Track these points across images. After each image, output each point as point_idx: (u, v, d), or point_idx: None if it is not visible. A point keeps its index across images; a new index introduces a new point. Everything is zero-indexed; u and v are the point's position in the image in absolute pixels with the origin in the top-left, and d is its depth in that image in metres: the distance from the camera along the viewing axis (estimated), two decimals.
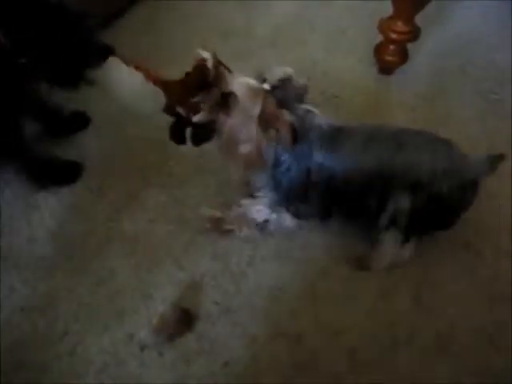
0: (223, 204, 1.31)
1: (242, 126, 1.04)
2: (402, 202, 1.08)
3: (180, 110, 1.09)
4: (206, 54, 1.05)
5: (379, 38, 1.67)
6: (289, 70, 1.06)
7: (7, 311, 1.14)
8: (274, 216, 1.21)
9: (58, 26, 1.05)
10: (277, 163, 1.11)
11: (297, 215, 1.20)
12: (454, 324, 1.15)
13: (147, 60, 1.20)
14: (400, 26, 1.59)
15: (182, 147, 1.15)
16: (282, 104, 1.04)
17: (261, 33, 1.87)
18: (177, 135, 1.13)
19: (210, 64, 1.04)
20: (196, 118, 1.06)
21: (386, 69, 1.72)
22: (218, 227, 1.26)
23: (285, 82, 1.05)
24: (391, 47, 1.66)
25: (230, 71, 1.09)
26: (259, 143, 1.05)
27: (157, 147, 1.41)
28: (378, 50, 1.70)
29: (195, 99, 1.05)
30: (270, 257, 1.24)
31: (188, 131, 1.11)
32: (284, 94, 1.04)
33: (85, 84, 1.13)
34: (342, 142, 1.09)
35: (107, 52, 1.12)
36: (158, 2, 1.95)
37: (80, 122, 1.47)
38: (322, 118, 1.10)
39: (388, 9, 1.59)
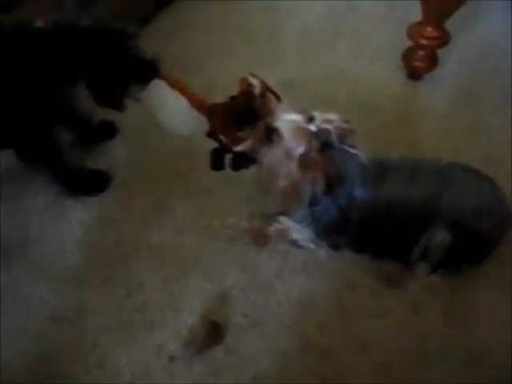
0: (251, 215, 1.30)
1: (282, 162, 1.04)
2: (441, 237, 1.07)
3: (222, 137, 1.10)
4: (254, 81, 1.06)
5: (407, 43, 1.64)
6: (334, 116, 1.04)
7: (37, 322, 1.15)
8: (311, 245, 1.21)
9: (106, 47, 1.06)
10: (314, 202, 1.09)
11: (334, 247, 1.20)
12: (488, 339, 1.12)
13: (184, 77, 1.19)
14: (430, 31, 1.56)
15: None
16: (324, 145, 1.03)
17: (286, 39, 1.86)
18: (216, 161, 1.14)
19: (256, 91, 1.05)
20: (238, 148, 1.08)
21: (414, 75, 1.69)
22: (256, 238, 1.26)
23: (329, 124, 1.03)
24: (420, 53, 1.63)
25: (278, 98, 1.09)
26: (296, 182, 1.04)
27: (184, 156, 1.40)
28: (407, 56, 1.67)
29: (239, 132, 1.06)
30: (298, 269, 1.23)
31: (228, 157, 1.13)
32: (327, 137, 1.03)
33: (130, 102, 1.13)
34: (384, 178, 1.08)
35: (153, 72, 1.11)
36: (180, 11, 1.95)
37: (108, 131, 1.47)
38: (362, 156, 1.08)
39: (414, 14, 1.56)
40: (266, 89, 1.09)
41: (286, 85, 1.66)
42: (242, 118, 1.07)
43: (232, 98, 1.11)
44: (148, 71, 1.11)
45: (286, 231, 1.22)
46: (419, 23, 1.58)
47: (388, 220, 1.09)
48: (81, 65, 1.08)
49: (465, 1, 1.48)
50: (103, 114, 1.42)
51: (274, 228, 1.23)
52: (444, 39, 1.59)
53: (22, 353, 1.11)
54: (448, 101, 1.65)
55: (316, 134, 1.02)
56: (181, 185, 1.38)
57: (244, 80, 1.11)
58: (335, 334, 1.13)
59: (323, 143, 1.02)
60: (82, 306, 1.17)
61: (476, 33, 1.90)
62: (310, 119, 1.04)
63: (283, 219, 1.21)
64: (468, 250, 1.11)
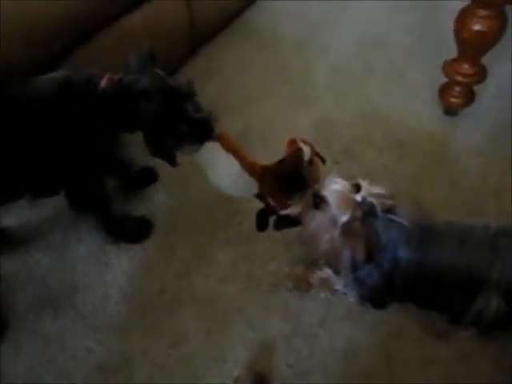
0: (291, 261, 1.30)
1: (327, 228, 1.07)
2: (496, 305, 1.06)
3: (270, 200, 1.14)
4: (304, 147, 1.10)
5: (441, 77, 1.64)
6: (380, 190, 1.06)
7: (84, 370, 1.16)
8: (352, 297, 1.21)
9: (164, 106, 1.09)
10: (355, 269, 1.11)
11: (380, 306, 1.19)
12: None
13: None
14: (465, 68, 1.56)
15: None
16: (367, 215, 1.05)
17: (319, 77, 1.88)
18: (262, 222, 1.18)
19: (306, 157, 1.09)
20: (285, 212, 1.11)
21: (451, 111, 1.68)
22: (298, 284, 1.26)
23: (375, 197, 1.06)
24: (456, 89, 1.62)
25: (323, 161, 1.14)
26: (338, 248, 1.07)
27: (224, 202, 1.41)
28: (443, 92, 1.67)
29: (289, 200, 1.09)
30: (341, 317, 1.22)
31: (273, 218, 1.16)
32: (371, 208, 1.05)
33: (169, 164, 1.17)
34: (432, 243, 1.09)
35: (208, 133, 1.13)
36: (214, 54, 1.99)
37: (148, 177, 1.50)
38: (406, 221, 1.09)
39: (447, 48, 1.56)
40: (315, 154, 1.13)
41: (322, 125, 1.68)
42: (289, 182, 1.10)
43: (280, 161, 1.13)
44: (202, 132, 1.13)
45: (328, 280, 1.22)
46: (455, 60, 1.58)
47: (434, 284, 1.10)
48: (138, 122, 1.13)
49: (500, 37, 1.47)
50: (143, 160, 1.46)
51: (316, 275, 1.23)
52: (480, 75, 1.58)
53: None
54: (487, 136, 1.63)
55: (361, 204, 1.04)
56: (221, 231, 1.39)
57: (292, 142, 1.14)
58: None
59: (366, 213, 1.05)
60: (126, 356, 1.18)
61: (509, 64, 1.88)
62: (357, 188, 1.06)
63: (327, 270, 1.21)
64: None
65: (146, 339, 1.20)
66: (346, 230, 1.05)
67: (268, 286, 1.27)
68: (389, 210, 1.07)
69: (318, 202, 1.06)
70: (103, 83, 1.12)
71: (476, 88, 1.65)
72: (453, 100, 1.64)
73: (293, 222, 1.13)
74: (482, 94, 1.73)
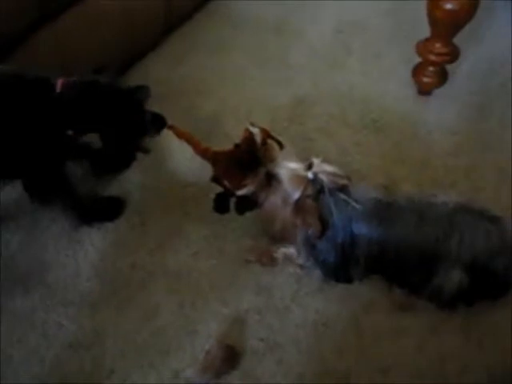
0: (263, 237, 1.30)
1: (280, 206, 1.12)
2: (458, 278, 1.10)
3: (226, 182, 1.19)
4: (254, 130, 1.15)
5: (416, 59, 1.65)
6: (332, 168, 1.12)
7: (55, 348, 1.15)
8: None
9: (117, 105, 1.17)
10: (311, 244, 1.17)
11: (345, 281, 1.23)
12: (507, 361, 1.10)
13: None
14: (438, 47, 1.57)
15: None
16: (319, 192, 1.10)
17: (296, 58, 1.88)
18: (221, 205, 1.24)
19: (258, 139, 1.13)
20: (240, 192, 1.16)
21: (424, 91, 1.70)
22: (262, 260, 1.26)
23: (326, 175, 1.11)
24: (430, 69, 1.64)
25: (280, 144, 1.17)
26: (291, 225, 1.13)
27: (196, 181, 1.41)
28: (417, 72, 1.68)
29: (240, 177, 1.14)
30: (313, 291, 1.22)
31: (232, 201, 1.22)
32: (322, 185, 1.10)
33: (141, 153, 1.28)
34: (393, 219, 1.13)
35: (161, 124, 1.23)
36: (190, 34, 1.98)
37: (124, 160, 1.48)
38: (367, 194, 1.16)
39: (423, 31, 1.57)
40: (268, 136, 1.17)
41: (298, 105, 1.69)
42: (245, 164, 1.15)
43: (236, 145, 1.19)
44: (158, 124, 1.23)
45: (291, 255, 1.24)
46: (427, 39, 1.59)
47: (396, 259, 1.14)
48: (98, 121, 1.18)
49: (472, 16, 1.48)
50: None
51: (280, 251, 1.25)
52: (453, 55, 1.59)
53: (40, 379, 1.10)
54: (459, 116, 1.65)
55: (312, 181, 1.09)
56: (194, 209, 1.38)
57: (246, 129, 1.19)
58: (353, 357, 1.12)
59: (319, 190, 1.09)
60: (98, 332, 1.17)
61: (485, 46, 1.91)
62: (309, 166, 1.10)
63: (291, 249, 1.24)
64: (484, 289, 1.14)
65: (118, 314, 1.19)
66: (298, 206, 1.09)
67: (240, 261, 1.27)
68: (342, 189, 1.12)
69: (271, 179, 1.11)
70: (59, 86, 1.15)
71: (450, 70, 1.67)
72: (426, 80, 1.66)
73: (252, 203, 1.17)
74: (455, 76, 1.75)
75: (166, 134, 1.27)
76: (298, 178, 1.09)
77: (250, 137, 1.16)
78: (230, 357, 1.11)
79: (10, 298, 1.22)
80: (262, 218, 1.21)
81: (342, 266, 1.18)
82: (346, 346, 1.14)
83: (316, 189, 1.09)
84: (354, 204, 1.10)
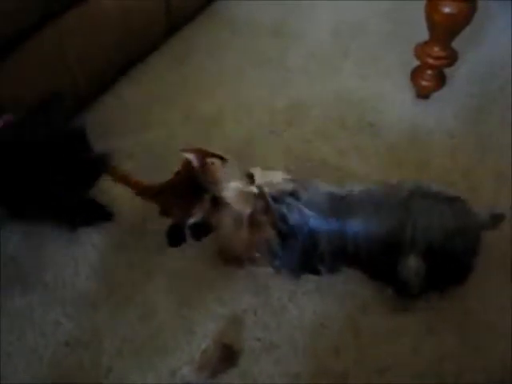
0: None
1: (234, 227, 1.12)
2: (415, 265, 1.11)
3: (175, 213, 1.19)
4: (188, 155, 1.13)
5: (415, 62, 1.66)
6: (275, 176, 1.13)
7: (54, 346, 1.15)
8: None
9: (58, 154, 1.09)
10: (274, 255, 1.18)
11: (315, 272, 1.23)
12: (505, 362, 1.10)
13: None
14: (437, 51, 1.58)
15: None
16: (275, 200, 1.10)
17: (294, 61, 1.89)
18: (175, 237, 1.23)
19: (195, 163, 1.12)
20: (191, 221, 1.15)
21: (422, 94, 1.70)
22: (230, 262, 1.26)
23: (269, 186, 1.11)
24: (428, 72, 1.64)
25: (222, 158, 1.14)
26: (250, 243, 1.14)
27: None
28: (415, 75, 1.69)
29: (187, 206, 1.13)
30: (311, 291, 1.23)
31: (186, 230, 1.19)
32: (274, 194, 1.11)
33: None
34: (349, 211, 1.14)
35: (100, 170, 1.16)
36: (191, 36, 1.99)
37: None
38: (320, 191, 1.17)
39: (422, 33, 1.58)
40: (206, 156, 1.14)
41: (296, 107, 1.70)
42: (188, 191, 1.14)
43: (176, 173, 1.18)
44: (95, 170, 1.16)
45: (260, 258, 1.23)
46: (426, 43, 1.60)
47: (358, 251, 1.15)
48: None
49: (470, 20, 1.49)
50: None
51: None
52: (451, 58, 1.60)
53: (37, 377, 1.11)
54: (457, 119, 1.66)
55: (259, 195, 1.09)
56: None
57: (182, 156, 1.17)
58: (350, 357, 1.13)
59: (267, 202, 1.09)
60: (96, 331, 1.17)
61: (485, 49, 1.92)
62: (251, 178, 1.11)
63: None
64: (446, 273, 1.15)
65: (116, 314, 1.20)
66: (251, 223, 1.10)
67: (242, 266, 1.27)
68: (292, 193, 1.12)
69: (217, 203, 1.11)
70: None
71: (448, 73, 1.68)
72: (424, 83, 1.66)
73: (207, 228, 1.17)
74: (454, 79, 1.76)
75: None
76: (244, 196, 1.10)
77: (186, 162, 1.14)
78: (227, 356, 1.11)
79: (8, 296, 1.22)
80: (219, 243, 1.21)
81: (306, 265, 1.20)
82: (343, 346, 1.15)
83: (265, 201, 1.09)
84: (304, 210, 1.12)
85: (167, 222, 1.35)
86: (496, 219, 1.17)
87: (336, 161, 1.50)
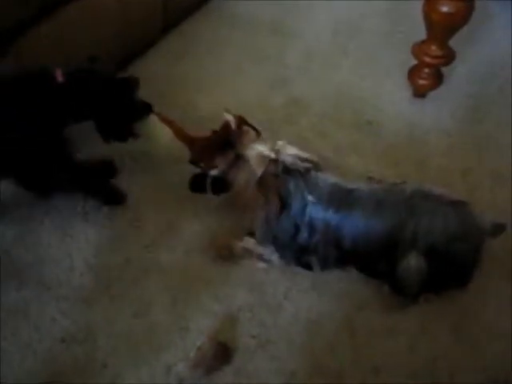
0: (219, 228, 1.34)
1: (246, 183, 1.20)
2: (416, 263, 1.12)
3: (201, 164, 1.29)
4: (229, 117, 1.23)
5: (412, 61, 1.66)
6: (296, 151, 1.21)
7: (48, 342, 1.15)
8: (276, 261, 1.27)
9: (112, 94, 1.26)
10: (270, 220, 1.21)
11: (306, 267, 1.25)
12: (500, 361, 1.11)
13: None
14: (434, 49, 1.58)
15: None
16: (283, 171, 1.18)
17: (293, 59, 1.89)
18: (197, 184, 1.31)
19: (232, 125, 1.22)
20: (213, 173, 1.25)
21: (420, 93, 1.70)
22: (222, 254, 1.29)
23: (289, 157, 1.19)
24: (425, 71, 1.65)
25: (257, 131, 1.25)
26: (254, 202, 1.20)
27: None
28: (412, 74, 1.69)
29: (213, 158, 1.24)
30: (306, 289, 1.23)
31: (208, 182, 1.28)
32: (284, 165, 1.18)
33: (132, 137, 1.35)
34: (352, 206, 1.17)
35: (148, 110, 1.33)
36: (189, 31, 1.99)
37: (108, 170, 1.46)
38: (327, 180, 1.21)
39: (420, 32, 1.58)
40: (243, 123, 1.25)
41: (294, 104, 1.70)
42: (219, 147, 1.24)
43: (213, 131, 1.28)
44: (145, 110, 1.33)
45: (251, 249, 1.27)
46: (423, 42, 1.60)
47: (355, 246, 1.18)
48: (94, 108, 1.27)
49: (468, 19, 1.49)
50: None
51: (239, 244, 1.27)
52: (448, 57, 1.61)
53: (32, 372, 1.10)
54: (454, 118, 1.67)
55: (275, 161, 1.17)
56: (189, 205, 1.39)
57: (223, 117, 1.28)
58: (346, 356, 1.13)
59: (281, 170, 1.18)
60: (91, 327, 1.17)
61: (483, 49, 1.92)
62: (275, 149, 1.19)
63: (249, 239, 1.27)
64: (446, 275, 1.16)
65: (111, 309, 1.20)
66: (260, 183, 1.17)
67: (234, 257, 1.28)
68: (305, 172, 1.19)
69: (239, 160, 1.20)
70: (59, 76, 1.21)
71: (446, 72, 1.68)
72: (421, 82, 1.67)
73: (226, 184, 1.25)
74: (451, 79, 1.76)
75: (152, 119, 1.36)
76: (262, 157, 1.18)
77: (225, 123, 1.24)
78: (222, 353, 1.11)
79: (4, 291, 1.22)
80: (232, 198, 1.28)
81: (299, 251, 1.22)
82: (339, 344, 1.15)
83: (279, 168, 1.17)
84: (306, 194, 1.17)
85: (164, 218, 1.37)
86: (497, 229, 1.18)
87: (333, 158, 1.50)
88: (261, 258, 1.26)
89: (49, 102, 1.21)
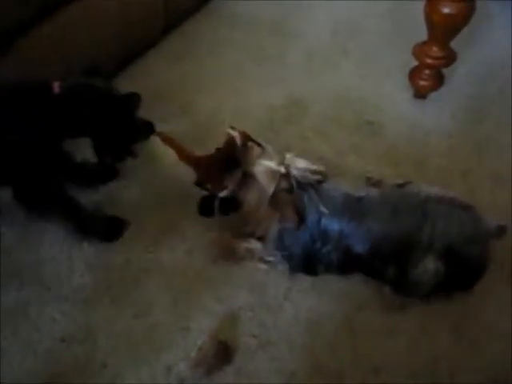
0: (223, 228, 1.32)
1: (258, 202, 1.17)
2: (433, 267, 1.12)
3: (208, 185, 1.24)
4: (234, 133, 1.18)
5: (413, 62, 1.66)
6: (304, 164, 1.16)
7: (48, 342, 1.15)
8: (278, 264, 1.26)
9: (111, 111, 1.19)
10: (281, 240, 1.21)
11: (313, 273, 1.25)
12: (500, 361, 1.11)
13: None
14: (435, 51, 1.58)
15: None
16: (299, 186, 1.15)
17: (294, 59, 1.89)
18: (206, 207, 1.28)
19: (238, 141, 1.17)
20: (222, 194, 1.21)
21: (420, 94, 1.71)
22: (224, 254, 1.28)
23: (298, 170, 1.15)
24: (426, 72, 1.65)
25: (260, 146, 1.19)
26: (266, 220, 1.18)
27: (191, 178, 1.39)
28: (413, 75, 1.69)
29: (221, 179, 1.19)
30: (306, 289, 1.23)
31: (216, 203, 1.24)
32: (296, 179, 1.15)
33: (130, 157, 1.29)
34: (364, 213, 1.16)
35: (149, 130, 1.28)
36: (190, 32, 1.99)
37: (108, 173, 1.46)
38: (338, 190, 1.20)
39: (420, 33, 1.58)
40: (247, 139, 1.20)
41: (294, 105, 1.70)
42: (225, 166, 1.19)
43: (217, 149, 1.22)
44: (147, 130, 1.27)
45: (254, 250, 1.26)
46: (424, 43, 1.60)
47: (369, 252, 1.17)
48: (92, 125, 1.20)
49: (468, 20, 1.50)
50: None
51: (243, 245, 1.27)
52: (449, 58, 1.60)
53: (32, 372, 1.10)
54: (455, 119, 1.67)
55: (286, 176, 1.13)
56: (190, 206, 1.36)
57: (228, 132, 1.22)
58: (345, 356, 1.13)
59: (292, 184, 1.14)
60: (91, 327, 1.17)
61: (483, 50, 1.92)
62: (284, 163, 1.15)
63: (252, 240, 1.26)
64: (458, 277, 1.16)
65: (111, 310, 1.20)
66: (274, 200, 1.14)
67: (235, 258, 1.27)
68: (316, 184, 1.16)
69: (248, 179, 1.16)
70: (56, 88, 1.15)
71: (447, 73, 1.68)
72: (422, 83, 1.67)
73: (236, 204, 1.22)
74: (452, 79, 1.76)
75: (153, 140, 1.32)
76: (272, 173, 1.14)
77: (230, 140, 1.19)
78: (223, 353, 1.11)
79: (4, 291, 1.22)
80: (241, 216, 1.24)
81: (308, 260, 1.21)
82: (339, 345, 1.15)
83: (290, 183, 1.13)
84: (321, 207, 1.15)
85: (165, 218, 1.37)
86: (501, 230, 1.19)
87: (334, 159, 1.50)
88: (263, 260, 1.26)
89: (44, 114, 1.15)
